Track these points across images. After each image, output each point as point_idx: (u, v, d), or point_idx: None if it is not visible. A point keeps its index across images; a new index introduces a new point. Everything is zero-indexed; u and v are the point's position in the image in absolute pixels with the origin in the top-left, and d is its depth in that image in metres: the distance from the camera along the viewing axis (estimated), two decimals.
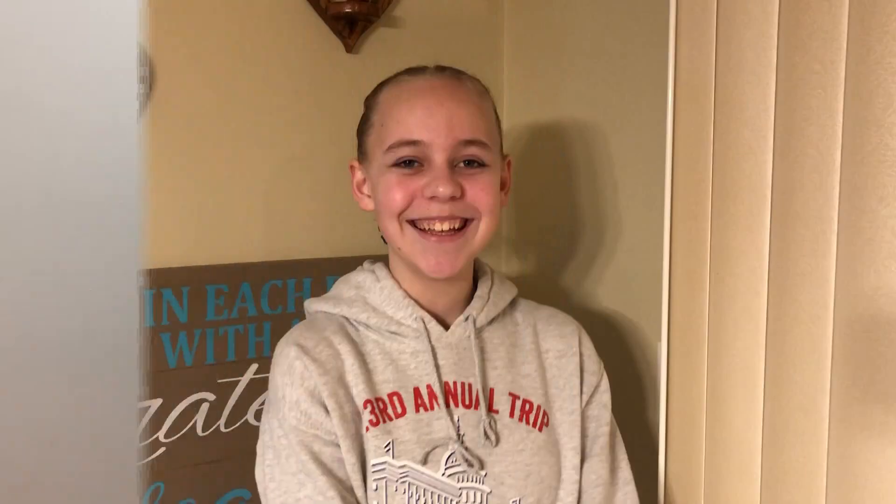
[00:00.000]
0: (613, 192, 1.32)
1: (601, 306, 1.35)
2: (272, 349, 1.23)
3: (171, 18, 1.18)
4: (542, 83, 1.45)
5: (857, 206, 0.86)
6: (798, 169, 0.92)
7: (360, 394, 0.93)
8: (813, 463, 0.92)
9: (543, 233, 1.45)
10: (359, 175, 1.03)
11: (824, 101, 0.89)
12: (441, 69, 0.99)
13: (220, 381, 1.20)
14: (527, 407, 0.98)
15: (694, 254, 1.06)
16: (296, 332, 0.98)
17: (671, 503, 1.11)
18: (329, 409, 0.91)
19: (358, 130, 1.03)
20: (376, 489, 0.91)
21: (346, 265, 1.30)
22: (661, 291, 1.10)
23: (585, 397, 1.03)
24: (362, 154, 1.02)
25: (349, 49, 1.34)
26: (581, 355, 1.04)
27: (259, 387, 1.23)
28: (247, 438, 1.22)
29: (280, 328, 1.24)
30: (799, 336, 0.92)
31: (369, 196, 1.01)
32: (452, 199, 0.92)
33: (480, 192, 0.94)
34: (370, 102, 1.01)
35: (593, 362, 1.05)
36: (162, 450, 1.15)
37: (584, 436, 1.01)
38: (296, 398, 0.92)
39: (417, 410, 0.94)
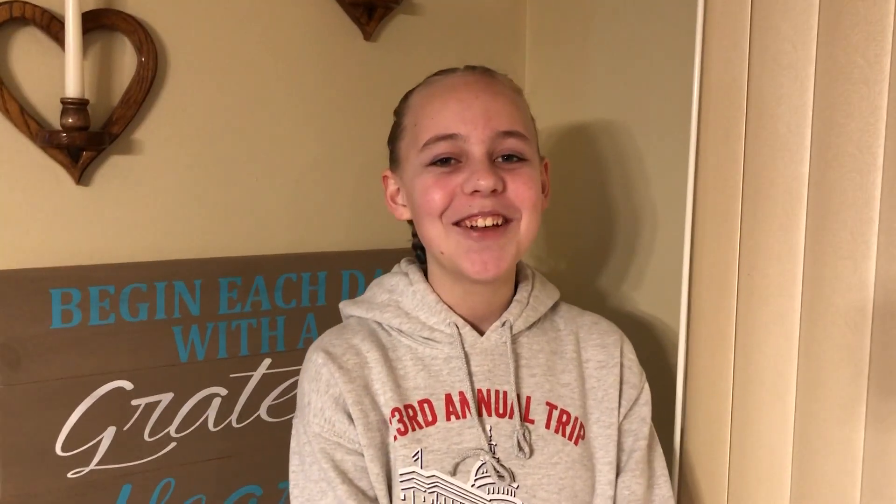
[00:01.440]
0: (639, 190, 1.28)
1: (626, 307, 1.31)
2: (286, 344, 1.22)
3: (183, 3, 1.15)
4: (564, 76, 1.41)
5: None
6: (837, 167, 0.88)
7: (387, 402, 0.91)
8: (847, 475, 0.88)
9: (565, 233, 1.42)
10: (392, 185, 0.99)
11: (867, 97, 0.85)
12: (472, 67, 0.96)
13: (232, 375, 1.18)
14: (564, 418, 0.94)
15: (722, 254, 1.03)
16: (325, 339, 0.96)
17: None
18: (353, 417, 0.89)
19: (389, 138, 1.00)
20: (404, 499, 0.89)
21: (362, 259, 1.29)
22: (681, 291, 1.07)
23: (623, 410, 0.99)
24: (395, 162, 0.98)
25: (367, 37, 1.31)
26: (622, 366, 0.99)
27: (272, 382, 1.21)
28: (259, 434, 1.20)
29: (294, 322, 1.22)
30: (834, 342, 0.89)
31: (404, 205, 0.97)
32: (494, 192, 0.88)
33: (522, 186, 0.90)
34: (400, 108, 0.98)
35: (634, 374, 1.00)
36: (173, 445, 1.13)
37: (619, 450, 0.97)
38: (320, 405, 0.90)
39: (448, 419, 0.91)
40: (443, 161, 0.90)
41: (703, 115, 1.04)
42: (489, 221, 0.89)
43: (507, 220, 0.90)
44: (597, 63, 1.35)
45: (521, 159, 0.91)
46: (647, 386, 1.02)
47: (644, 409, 1.00)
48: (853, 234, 0.87)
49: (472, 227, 0.89)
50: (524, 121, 0.93)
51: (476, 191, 0.88)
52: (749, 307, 0.99)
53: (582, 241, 1.39)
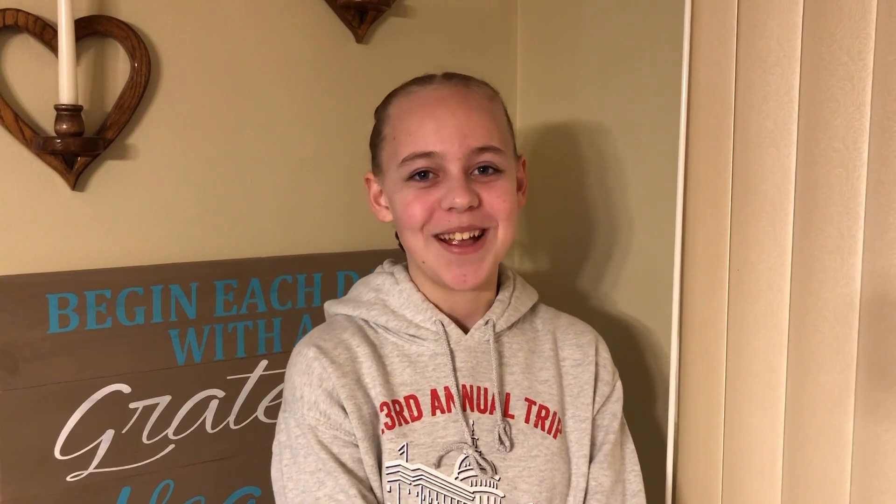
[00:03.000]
0: (629, 189, 1.29)
1: (616, 306, 1.32)
2: (282, 345, 1.22)
3: (175, 8, 1.16)
4: (555, 76, 1.42)
5: (885, 203, 0.84)
6: (823, 163, 0.89)
7: (377, 396, 0.93)
8: (837, 465, 0.89)
9: (556, 233, 1.43)
10: (375, 187, 1.03)
11: (851, 93, 0.86)
12: (449, 77, 0.98)
13: (229, 377, 1.18)
14: (543, 413, 0.98)
15: (712, 250, 1.04)
16: (315, 334, 0.99)
17: None
18: (348, 410, 0.91)
19: (371, 143, 1.02)
20: (390, 491, 0.91)
21: (357, 260, 1.29)
22: (673, 288, 1.08)
23: (597, 406, 1.02)
24: (377, 167, 1.01)
25: (359, 39, 1.32)
26: (597, 364, 1.03)
27: (269, 383, 1.22)
28: (257, 435, 1.20)
29: (290, 324, 1.23)
30: (823, 335, 0.90)
31: (387, 207, 1.01)
32: (470, 208, 0.92)
33: (497, 199, 0.94)
34: (381, 115, 1.00)
35: (608, 372, 1.04)
36: (171, 447, 1.14)
37: (592, 444, 1.01)
38: (314, 399, 0.92)
39: (434, 413, 0.94)
40: (422, 175, 0.93)
41: (692, 112, 1.05)
42: (466, 235, 0.93)
43: (483, 231, 0.94)
44: (587, 63, 1.36)
45: (496, 171, 0.94)
46: (619, 384, 1.05)
47: (615, 406, 1.03)
48: (840, 229, 0.88)
49: (450, 240, 0.93)
50: (499, 131, 0.96)
51: (453, 207, 0.91)
52: (739, 303, 1.00)
53: (571, 240, 1.40)
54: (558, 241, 1.43)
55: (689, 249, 1.07)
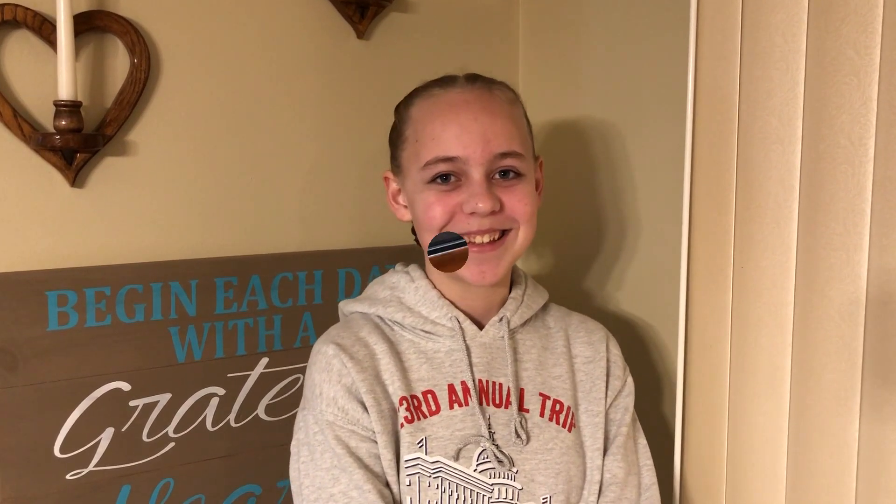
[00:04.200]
0: (633, 187, 1.28)
1: (621, 304, 1.32)
2: (283, 343, 1.22)
3: (175, 3, 1.15)
4: (557, 72, 1.41)
5: (892, 199, 0.83)
6: (828, 159, 0.88)
7: (396, 391, 0.94)
8: (842, 465, 0.88)
9: (560, 230, 1.42)
10: (394, 186, 1.04)
11: (857, 89, 0.85)
12: (472, 79, 0.98)
13: (229, 375, 1.18)
14: (557, 407, 0.99)
15: (716, 248, 1.03)
16: (333, 332, 1.00)
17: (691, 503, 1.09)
18: (367, 405, 0.92)
19: (390, 141, 1.03)
20: (409, 484, 0.92)
21: (359, 257, 1.29)
22: (679, 286, 1.07)
23: (609, 400, 1.04)
24: (396, 166, 1.02)
25: (360, 35, 1.31)
26: (608, 361, 1.05)
27: (270, 381, 1.21)
28: (257, 433, 1.20)
29: (291, 321, 1.22)
30: (828, 333, 0.89)
31: (406, 206, 1.02)
32: (492, 212, 0.93)
33: (518, 203, 0.95)
34: (402, 114, 1.01)
35: (619, 367, 1.06)
36: (171, 445, 1.14)
37: (605, 438, 1.02)
38: (333, 394, 0.93)
39: (451, 407, 0.95)
40: (443, 178, 0.94)
41: (697, 108, 1.04)
42: (486, 238, 0.95)
43: (504, 232, 0.96)
44: (590, 59, 1.35)
45: (517, 175, 0.95)
46: (630, 379, 1.06)
47: (627, 400, 1.05)
48: (846, 226, 0.87)
49: (470, 242, 0.95)
50: (521, 136, 0.97)
51: (475, 212, 0.93)
52: (743, 300, 1.00)
53: (575, 238, 1.39)
54: (562, 238, 1.42)
55: (692, 247, 1.06)
